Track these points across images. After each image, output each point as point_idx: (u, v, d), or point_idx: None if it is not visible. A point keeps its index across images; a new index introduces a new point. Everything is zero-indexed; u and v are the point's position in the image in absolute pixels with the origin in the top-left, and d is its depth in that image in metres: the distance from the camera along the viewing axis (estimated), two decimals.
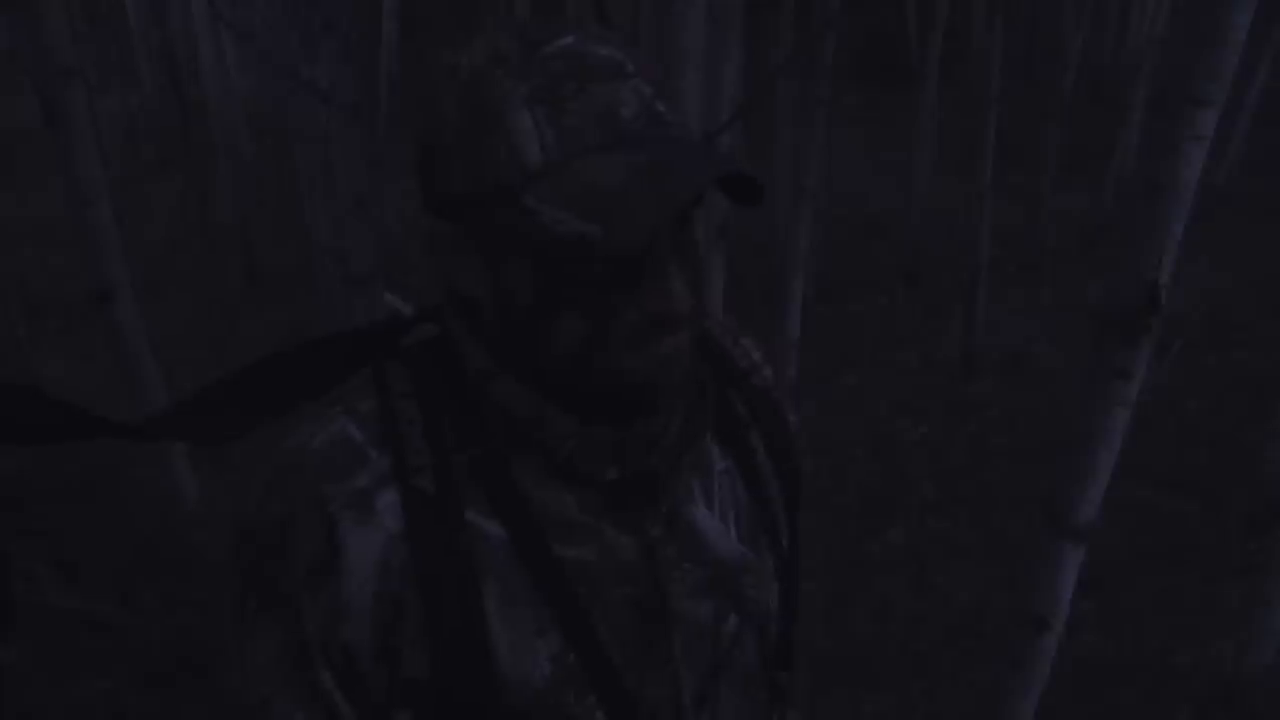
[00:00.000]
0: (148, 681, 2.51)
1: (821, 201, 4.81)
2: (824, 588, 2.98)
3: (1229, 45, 1.38)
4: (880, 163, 7.23)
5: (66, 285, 4.85)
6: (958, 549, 3.28)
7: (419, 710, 0.68)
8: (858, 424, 4.13)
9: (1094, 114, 7.19)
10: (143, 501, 3.21)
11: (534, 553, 0.69)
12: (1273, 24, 6.12)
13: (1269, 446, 3.08)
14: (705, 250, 2.19)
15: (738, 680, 0.79)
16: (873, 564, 3.22)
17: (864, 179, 7.08)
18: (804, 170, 3.67)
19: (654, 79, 0.65)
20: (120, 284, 2.90)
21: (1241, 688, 2.55)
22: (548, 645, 0.69)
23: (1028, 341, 4.85)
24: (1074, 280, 5.38)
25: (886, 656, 2.77)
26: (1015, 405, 4.24)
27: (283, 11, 2.01)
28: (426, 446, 0.68)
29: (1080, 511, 1.64)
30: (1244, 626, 2.62)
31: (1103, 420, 1.59)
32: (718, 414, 0.79)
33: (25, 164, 6.68)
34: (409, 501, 0.66)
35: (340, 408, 0.70)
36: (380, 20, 7.65)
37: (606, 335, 0.65)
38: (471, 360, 0.70)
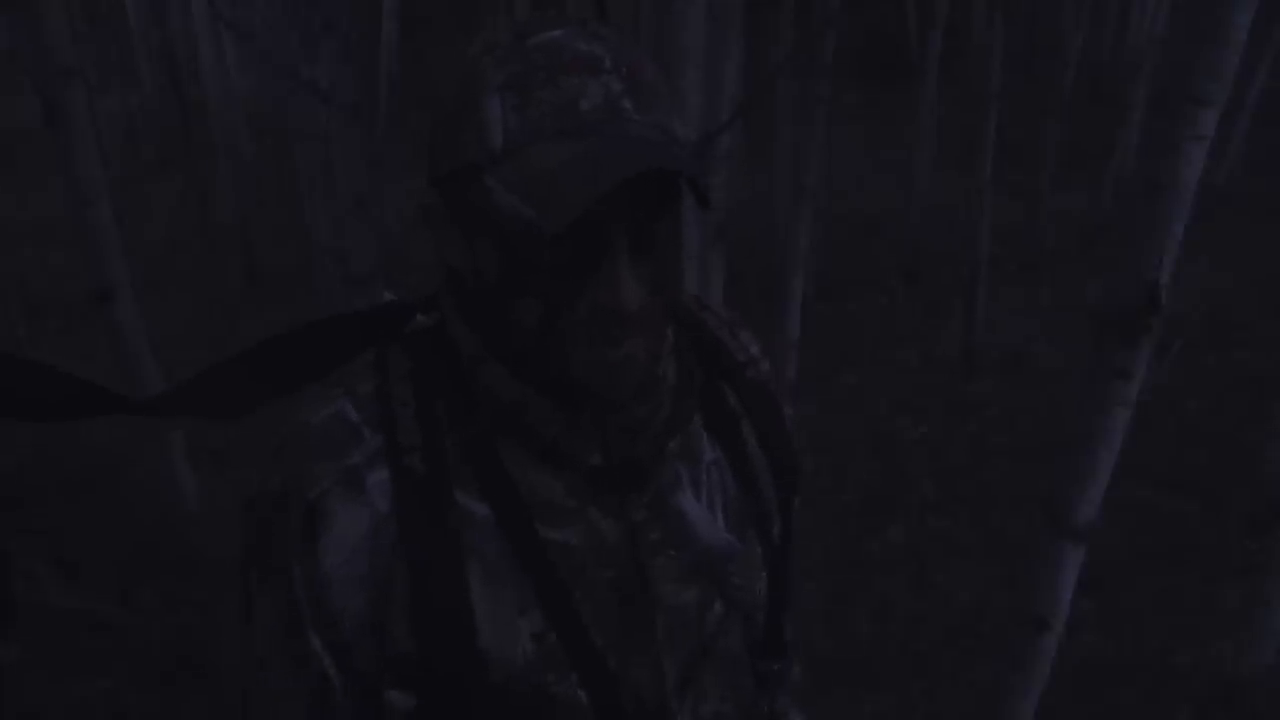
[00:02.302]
0: (148, 681, 2.51)
1: (821, 200, 4.81)
2: (824, 587, 2.98)
3: (1230, 45, 1.38)
4: (880, 160, 7.23)
5: (66, 285, 4.85)
6: (958, 548, 3.28)
7: (410, 688, 0.70)
8: (858, 423, 4.13)
9: (1094, 112, 7.19)
10: (143, 500, 3.21)
11: (519, 533, 0.71)
12: (1273, 24, 6.11)
13: (1269, 446, 3.08)
14: (705, 250, 2.19)
15: (723, 667, 0.81)
16: (873, 563, 3.22)
17: (864, 177, 7.08)
18: (804, 169, 3.66)
19: (635, 77, 0.66)
20: (120, 284, 2.90)
21: (1241, 688, 2.55)
22: (530, 624, 0.71)
23: (1027, 341, 4.85)
24: (1074, 280, 5.38)
25: (886, 656, 2.77)
26: (1015, 404, 4.24)
27: (283, 11, 2.01)
28: (418, 427, 0.70)
29: (1080, 511, 1.64)
30: (1244, 627, 2.62)
31: (1103, 420, 1.59)
32: (709, 405, 0.81)
33: (25, 164, 6.68)
34: (398, 480, 0.69)
35: (341, 389, 0.73)
36: (380, 20, 7.64)
37: (560, 324, 0.67)
38: (464, 345, 0.73)
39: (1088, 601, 2.56)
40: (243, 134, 6.03)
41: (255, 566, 0.71)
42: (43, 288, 5.11)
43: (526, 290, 0.67)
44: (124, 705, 2.45)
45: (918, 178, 5.88)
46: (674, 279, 0.70)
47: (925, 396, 4.38)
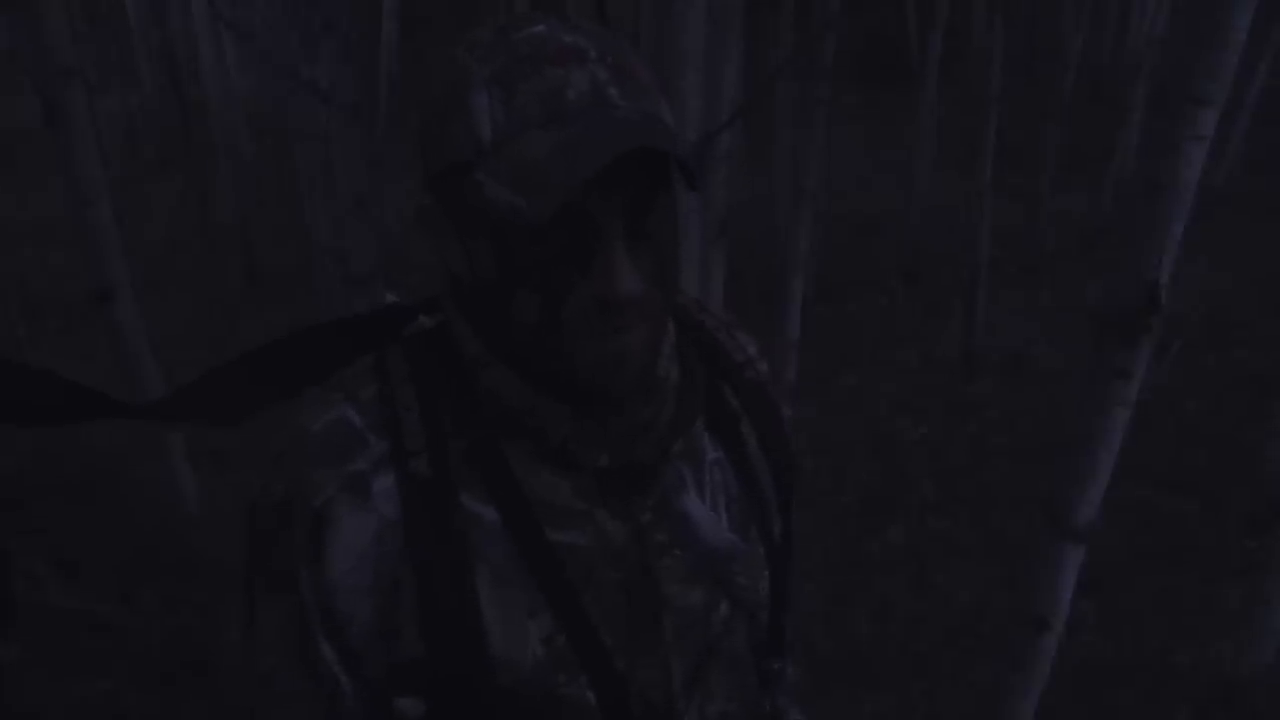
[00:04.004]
0: (148, 681, 2.51)
1: (821, 201, 4.81)
2: (824, 588, 2.98)
3: (1229, 46, 1.38)
4: (880, 162, 7.23)
5: (66, 285, 4.85)
6: (958, 549, 3.28)
7: (419, 693, 0.70)
8: (857, 424, 4.13)
9: (1094, 114, 7.19)
10: (143, 501, 3.21)
11: (526, 536, 0.70)
12: (1272, 24, 6.11)
13: (1269, 446, 3.08)
14: (705, 249, 2.19)
15: (729, 667, 0.81)
16: (873, 564, 3.22)
17: (864, 178, 7.08)
18: (804, 171, 3.67)
19: (621, 66, 0.66)
20: (120, 284, 2.90)
21: (1241, 688, 2.55)
22: (539, 627, 0.70)
23: (1027, 342, 4.85)
24: (1074, 280, 5.38)
25: (886, 656, 2.77)
26: (1015, 405, 4.24)
27: (283, 11, 2.01)
28: (423, 431, 0.70)
29: (1080, 512, 1.64)
30: (1244, 626, 2.62)
31: (1103, 420, 1.59)
32: (710, 405, 0.81)
33: (25, 164, 6.68)
34: (404, 484, 0.68)
35: (342, 394, 0.72)
36: (380, 20, 7.65)
37: (559, 316, 0.66)
38: (467, 347, 0.72)
39: (1088, 602, 2.56)
40: (243, 134, 6.03)
41: (260, 574, 0.71)
42: (43, 288, 5.11)
43: (523, 284, 0.66)
44: (124, 705, 2.45)
45: (918, 179, 5.88)
46: (672, 272, 0.70)
47: (925, 397, 4.38)
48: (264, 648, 0.71)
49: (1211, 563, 3.10)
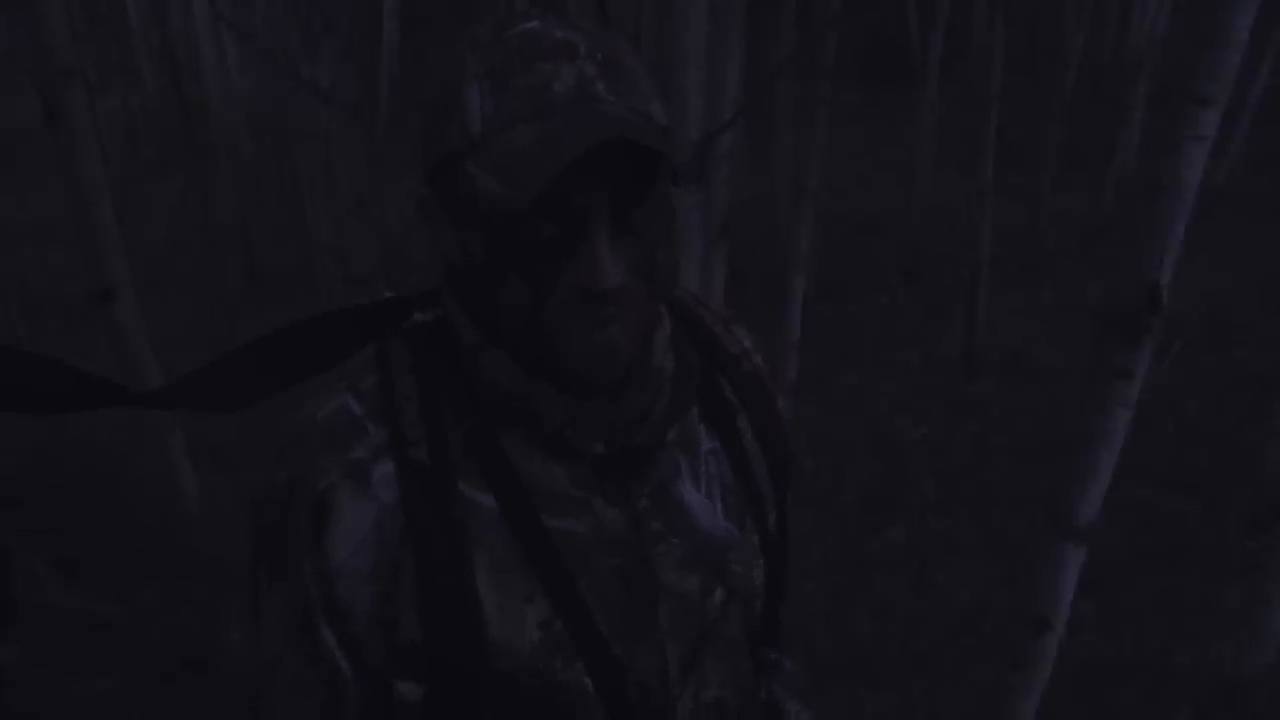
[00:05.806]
0: (148, 680, 2.51)
1: (822, 200, 4.80)
2: (824, 587, 2.98)
3: (1231, 45, 1.38)
4: (881, 161, 7.23)
5: (66, 285, 4.86)
6: (959, 548, 3.28)
7: (419, 679, 0.71)
8: (858, 423, 4.13)
9: (1095, 113, 7.18)
10: (143, 499, 3.21)
11: (524, 523, 0.72)
12: (1274, 23, 6.11)
13: (1269, 446, 3.08)
14: (707, 248, 2.19)
15: (724, 653, 0.81)
16: (873, 563, 3.22)
17: (865, 177, 7.08)
18: (805, 170, 3.67)
19: (611, 62, 0.68)
20: (121, 284, 2.90)
21: (1241, 688, 2.55)
22: (536, 612, 0.71)
23: (1028, 341, 4.85)
24: (1074, 280, 5.38)
25: (887, 656, 2.77)
26: (1016, 405, 4.23)
27: (283, 11, 2.01)
28: (422, 420, 0.71)
29: (1081, 512, 1.64)
30: (1244, 626, 2.62)
31: (1103, 420, 1.59)
32: (706, 397, 0.82)
33: (25, 164, 6.68)
34: (403, 472, 0.70)
35: (344, 383, 0.74)
36: (380, 20, 7.65)
37: (547, 307, 0.68)
38: (465, 336, 0.73)
39: (1088, 602, 2.55)
40: (243, 134, 6.04)
41: (264, 562, 0.72)
42: (43, 288, 5.11)
43: (512, 274, 0.68)
44: (124, 705, 2.45)
45: (919, 178, 5.88)
46: (662, 266, 0.71)
47: (926, 397, 4.38)
48: (268, 636, 0.72)
49: (1211, 563, 3.10)
